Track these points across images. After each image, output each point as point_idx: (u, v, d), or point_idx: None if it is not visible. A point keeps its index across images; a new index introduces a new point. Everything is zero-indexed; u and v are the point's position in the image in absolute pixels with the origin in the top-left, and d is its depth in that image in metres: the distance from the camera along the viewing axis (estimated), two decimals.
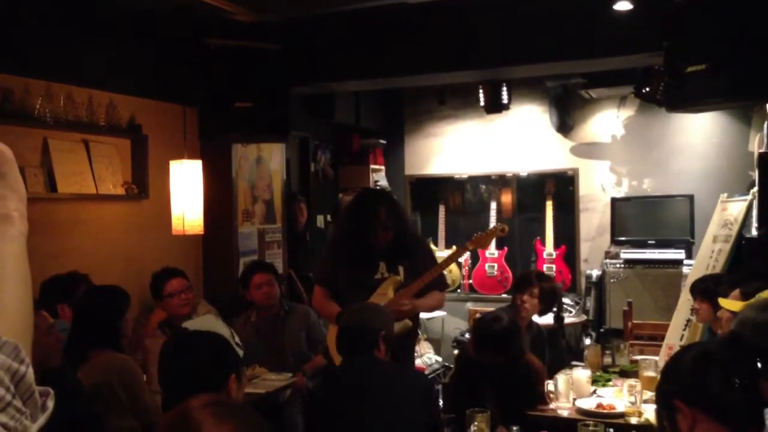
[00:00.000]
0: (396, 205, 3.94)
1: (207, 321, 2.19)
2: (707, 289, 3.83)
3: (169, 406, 1.96)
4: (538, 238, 6.89)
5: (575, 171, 6.86)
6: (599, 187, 6.79)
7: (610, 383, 3.84)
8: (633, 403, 3.30)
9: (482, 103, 6.14)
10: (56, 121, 4.06)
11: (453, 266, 6.92)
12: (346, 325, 3.02)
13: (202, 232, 4.66)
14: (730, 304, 2.69)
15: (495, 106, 6.06)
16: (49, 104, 4.03)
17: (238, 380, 2.02)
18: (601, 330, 6.22)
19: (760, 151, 4.97)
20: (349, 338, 2.97)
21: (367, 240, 3.71)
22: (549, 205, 6.89)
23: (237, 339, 2.08)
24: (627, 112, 6.68)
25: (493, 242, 6.91)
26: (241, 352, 2.05)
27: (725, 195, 5.39)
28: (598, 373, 3.96)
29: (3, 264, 0.88)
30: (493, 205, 7.15)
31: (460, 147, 7.24)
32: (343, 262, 3.81)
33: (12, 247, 0.89)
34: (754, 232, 4.97)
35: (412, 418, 2.77)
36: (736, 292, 2.81)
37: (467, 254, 7.02)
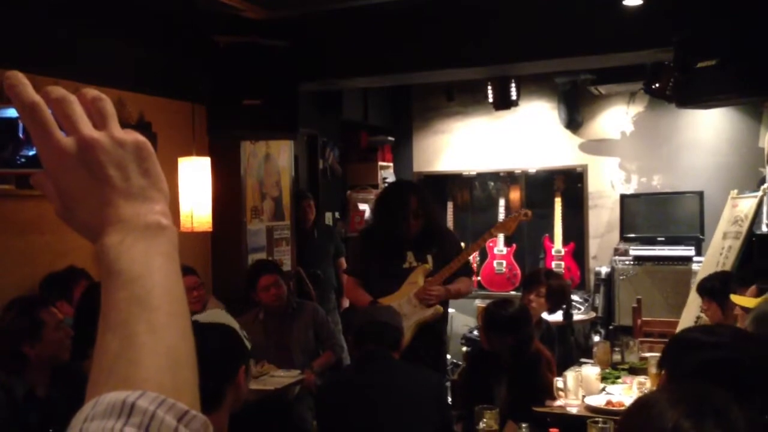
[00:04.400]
0: (425, 194, 4.07)
1: (217, 314, 2.20)
2: (714, 289, 3.78)
3: None
4: (547, 235, 6.87)
5: (584, 168, 6.84)
6: (608, 184, 6.76)
7: (620, 380, 3.83)
8: None
9: (491, 100, 6.12)
10: None
11: None
12: (373, 321, 3.03)
13: (210, 229, 4.66)
14: (744, 300, 2.68)
15: (503, 103, 6.04)
16: None
17: (247, 372, 2.03)
18: (611, 327, 6.20)
19: None
20: (375, 333, 2.97)
21: (398, 228, 3.86)
22: (558, 202, 6.87)
23: (244, 332, 2.09)
24: (636, 108, 6.65)
25: (501, 239, 6.91)
26: (249, 345, 2.06)
27: (735, 191, 5.36)
28: (607, 370, 3.95)
29: (156, 288, 0.64)
30: (502, 202, 7.13)
31: (469, 144, 7.23)
32: (372, 251, 3.97)
33: (164, 264, 0.66)
34: (765, 229, 4.95)
35: (425, 416, 2.78)
36: (753, 288, 2.79)
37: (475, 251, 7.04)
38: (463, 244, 4.22)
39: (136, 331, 0.61)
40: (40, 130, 0.64)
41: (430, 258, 3.93)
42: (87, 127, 0.66)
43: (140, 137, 0.71)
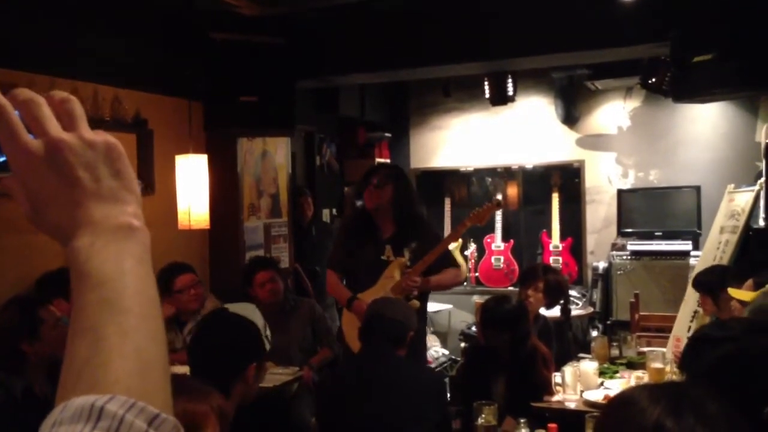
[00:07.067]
0: (404, 181, 4.10)
1: (247, 308, 2.19)
2: (709, 283, 3.80)
3: None
4: (545, 230, 6.88)
5: (581, 163, 6.84)
6: (605, 179, 6.77)
7: (618, 375, 3.84)
8: None
9: (487, 96, 6.12)
10: None
11: (460, 259, 6.91)
12: (380, 315, 3.03)
13: (208, 227, 4.66)
14: (740, 294, 2.69)
15: (500, 98, 6.03)
16: None
17: (258, 371, 2.02)
18: (608, 322, 6.21)
19: (767, 141, 4.96)
20: (380, 329, 2.97)
21: (363, 201, 3.94)
22: (555, 198, 6.87)
23: (268, 332, 2.08)
24: (633, 103, 6.66)
25: (499, 235, 6.93)
26: (268, 346, 2.05)
27: (732, 186, 5.37)
28: (605, 365, 3.96)
29: (127, 290, 0.62)
30: (499, 198, 7.13)
31: (466, 139, 7.22)
32: (351, 243, 4.02)
33: (135, 267, 0.64)
34: (762, 223, 4.96)
35: (424, 413, 2.78)
36: (749, 282, 2.80)
37: (473, 247, 7.06)
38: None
39: (105, 334, 0.60)
40: (6, 132, 0.63)
41: (407, 252, 3.91)
42: (55, 129, 0.65)
43: (111, 138, 0.68)
